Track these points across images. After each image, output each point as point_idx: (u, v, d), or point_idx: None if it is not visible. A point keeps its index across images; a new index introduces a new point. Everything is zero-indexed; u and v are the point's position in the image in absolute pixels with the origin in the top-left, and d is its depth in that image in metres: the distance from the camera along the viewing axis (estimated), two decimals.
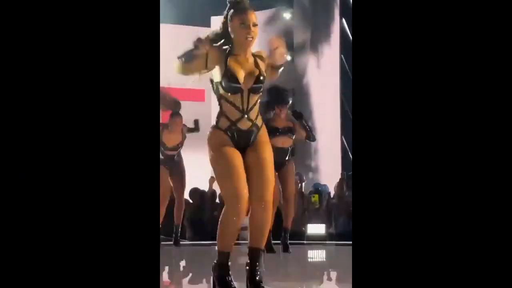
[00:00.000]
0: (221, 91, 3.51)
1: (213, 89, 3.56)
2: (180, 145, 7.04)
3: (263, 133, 3.63)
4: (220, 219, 3.53)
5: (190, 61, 3.46)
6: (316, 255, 6.88)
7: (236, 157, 3.51)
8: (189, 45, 3.45)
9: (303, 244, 7.55)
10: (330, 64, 11.84)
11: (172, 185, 6.93)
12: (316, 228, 7.77)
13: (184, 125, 7.08)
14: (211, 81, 3.56)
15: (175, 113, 6.98)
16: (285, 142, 6.22)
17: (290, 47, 12.56)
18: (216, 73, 3.49)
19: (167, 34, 11.12)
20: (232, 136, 3.54)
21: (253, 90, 3.51)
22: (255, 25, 3.48)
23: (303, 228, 7.78)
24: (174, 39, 11.11)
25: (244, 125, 3.53)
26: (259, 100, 3.57)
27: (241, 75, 3.48)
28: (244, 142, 3.55)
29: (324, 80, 11.84)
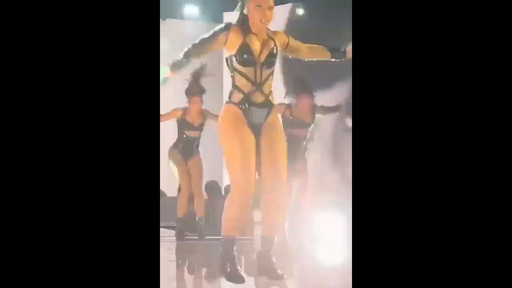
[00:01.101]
0: (235, 64, 3.53)
1: (227, 64, 3.58)
2: (201, 126, 6.99)
3: (275, 113, 3.65)
4: (224, 205, 3.51)
5: (207, 43, 3.51)
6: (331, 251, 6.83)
7: (248, 139, 3.49)
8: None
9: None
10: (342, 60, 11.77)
11: (191, 178, 6.91)
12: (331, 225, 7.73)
13: (206, 110, 7.04)
14: (226, 59, 3.59)
15: (193, 94, 6.92)
16: (301, 131, 6.17)
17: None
18: (231, 47, 3.52)
19: (178, 30, 11.15)
20: (246, 111, 3.52)
21: (266, 64, 3.53)
22: (270, 8, 3.51)
23: None
24: (185, 35, 11.17)
25: (258, 98, 3.54)
26: (272, 77, 3.58)
27: (256, 48, 3.50)
28: (259, 118, 3.53)
29: (337, 75, 11.77)
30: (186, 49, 3.51)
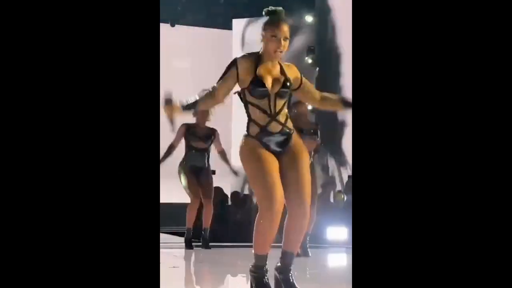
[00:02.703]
0: (248, 97, 3.56)
1: (240, 97, 3.60)
2: (209, 137, 6.94)
3: (297, 137, 3.67)
4: (255, 223, 3.54)
5: (220, 89, 3.56)
6: (336, 259, 6.82)
7: (270, 160, 3.55)
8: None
9: (324, 247, 7.47)
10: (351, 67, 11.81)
11: (200, 190, 6.91)
12: (337, 231, 7.68)
13: (214, 129, 7.03)
14: (239, 93, 3.61)
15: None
16: (309, 144, 6.16)
17: (312, 52, 12.63)
18: (244, 81, 3.54)
19: (187, 36, 11.19)
20: (265, 142, 3.57)
21: (279, 95, 3.56)
22: (286, 39, 3.55)
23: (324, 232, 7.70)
24: (194, 41, 11.21)
25: (274, 128, 3.56)
26: (286, 105, 3.62)
27: (268, 80, 3.54)
28: (278, 146, 3.58)
29: (347, 82, 11.83)
30: (198, 97, 3.57)
